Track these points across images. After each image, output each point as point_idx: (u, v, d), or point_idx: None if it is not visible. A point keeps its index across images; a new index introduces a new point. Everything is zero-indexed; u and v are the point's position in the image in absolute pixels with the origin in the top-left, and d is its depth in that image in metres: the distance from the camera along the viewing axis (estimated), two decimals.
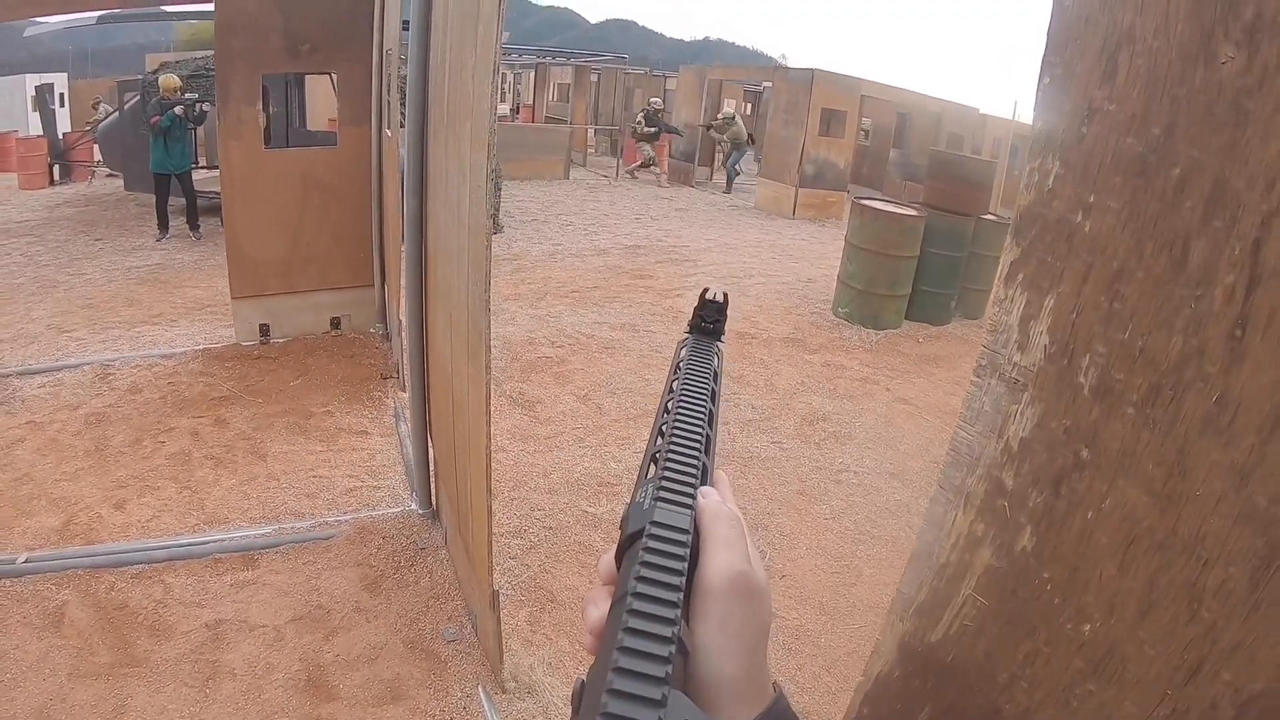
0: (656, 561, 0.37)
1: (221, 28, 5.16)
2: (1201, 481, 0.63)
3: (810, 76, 13.42)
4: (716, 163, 17.80)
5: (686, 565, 0.37)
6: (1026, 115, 17.89)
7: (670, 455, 0.48)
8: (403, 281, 3.70)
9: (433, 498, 3.83)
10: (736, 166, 16.74)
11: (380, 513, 3.84)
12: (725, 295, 0.69)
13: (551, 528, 3.93)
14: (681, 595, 0.35)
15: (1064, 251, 0.74)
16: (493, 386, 2.37)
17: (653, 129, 15.96)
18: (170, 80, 9.09)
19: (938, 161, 8.46)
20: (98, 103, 15.62)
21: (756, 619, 0.41)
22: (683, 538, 0.39)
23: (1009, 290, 0.80)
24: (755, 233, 12.35)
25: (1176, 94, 0.64)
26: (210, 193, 9.21)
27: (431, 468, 3.82)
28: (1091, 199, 0.72)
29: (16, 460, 4.17)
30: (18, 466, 4.11)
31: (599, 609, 0.40)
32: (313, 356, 5.66)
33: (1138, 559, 0.68)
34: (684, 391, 0.57)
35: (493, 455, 2.43)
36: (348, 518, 3.77)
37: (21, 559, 3.32)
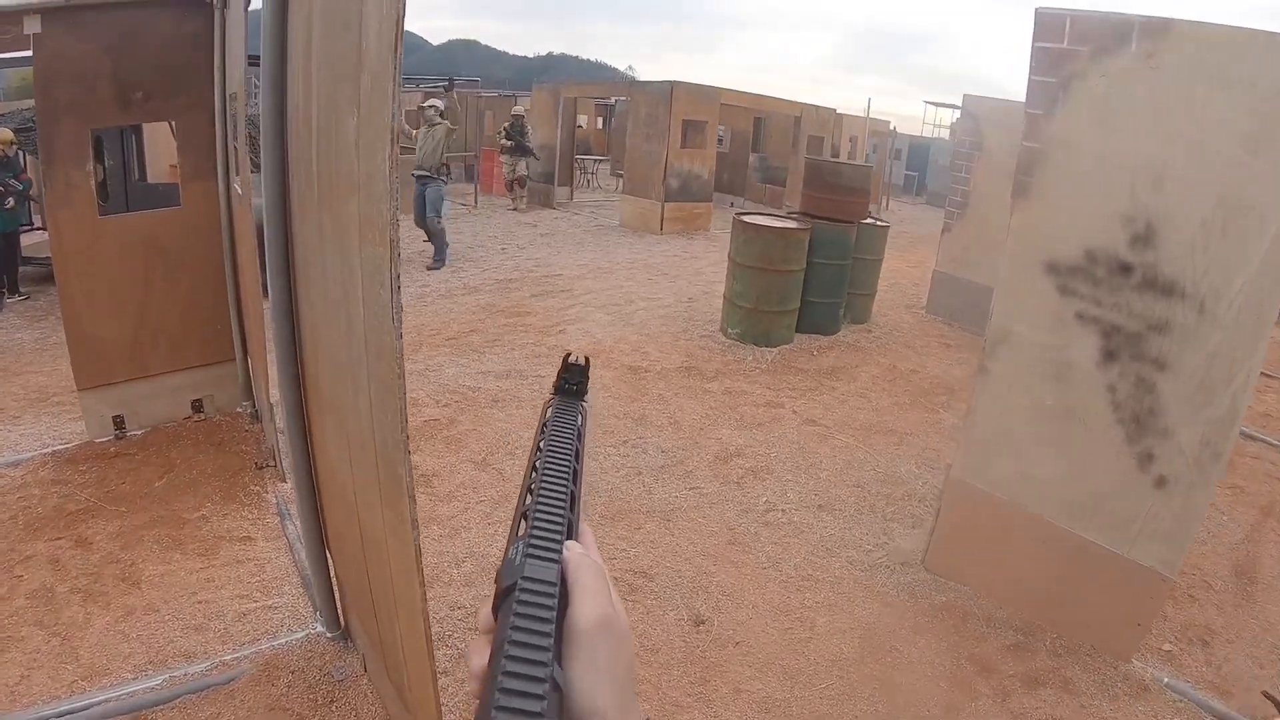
0: (529, 612, 0.41)
1: (41, 78, 4.37)
2: None
3: (669, 89, 13.31)
4: (577, 181, 17.36)
5: (556, 613, 0.42)
6: (877, 113, 18.50)
7: (538, 512, 0.52)
8: (272, 368, 3.17)
9: (340, 616, 3.34)
10: (438, 213, 10.47)
11: (283, 641, 3.27)
12: (587, 359, 0.74)
13: (476, 627, 3.52)
14: (553, 640, 0.40)
15: None
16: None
17: (511, 143, 14.69)
18: (4, 134, 8.25)
19: (815, 170, 8.35)
20: None
21: (622, 655, 0.46)
22: (551, 589, 0.43)
23: None
24: (626, 252, 12.11)
25: None
26: (46, 259, 8.30)
27: (334, 581, 3.33)
28: None
29: None
30: None
31: (480, 657, 0.43)
32: (176, 448, 4.97)
33: None
34: (549, 451, 0.61)
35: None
36: (247, 652, 3.19)
37: None
